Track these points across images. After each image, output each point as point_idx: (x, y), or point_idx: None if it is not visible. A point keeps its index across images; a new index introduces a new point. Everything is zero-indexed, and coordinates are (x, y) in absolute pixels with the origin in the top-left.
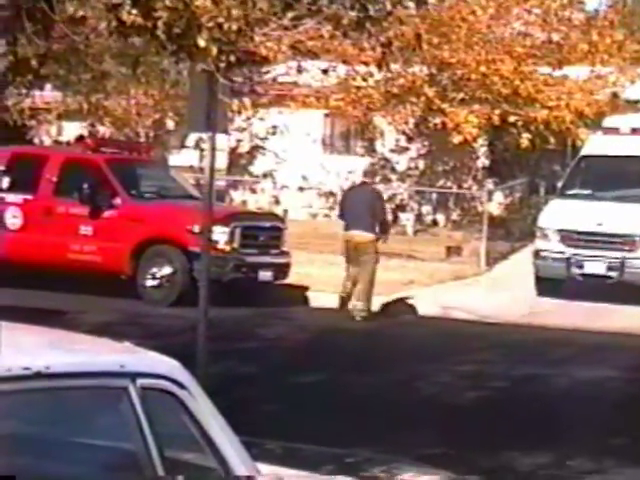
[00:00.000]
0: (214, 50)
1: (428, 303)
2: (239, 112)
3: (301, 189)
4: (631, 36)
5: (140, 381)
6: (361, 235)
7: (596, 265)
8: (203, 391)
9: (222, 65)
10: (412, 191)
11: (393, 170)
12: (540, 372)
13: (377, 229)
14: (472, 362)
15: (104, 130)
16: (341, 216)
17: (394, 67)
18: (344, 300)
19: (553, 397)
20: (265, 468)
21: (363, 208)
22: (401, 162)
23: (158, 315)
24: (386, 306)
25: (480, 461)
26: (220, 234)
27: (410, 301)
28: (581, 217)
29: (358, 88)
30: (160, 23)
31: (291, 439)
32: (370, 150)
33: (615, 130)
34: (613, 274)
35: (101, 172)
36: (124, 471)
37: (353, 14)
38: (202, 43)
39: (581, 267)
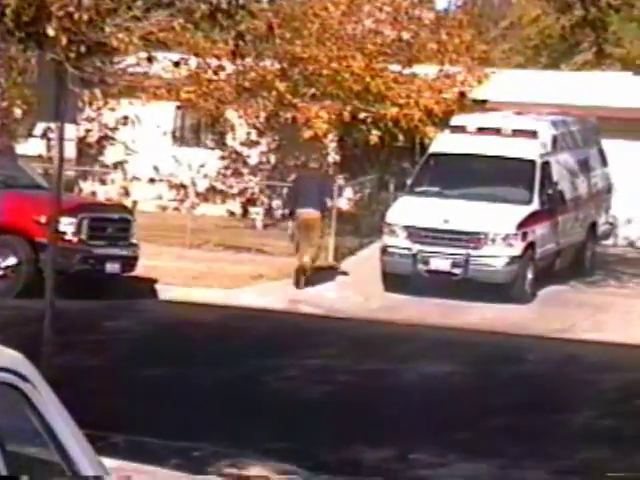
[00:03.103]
0: (64, 40)
1: (276, 297)
2: (90, 103)
3: (152, 181)
4: (479, 36)
5: None
6: (310, 212)
7: (441, 262)
8: (47, 384)
9: (72, 55)
10: (263, 185)
11: (245, 164)
12: (386, 367)
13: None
14: (319, 356)
15: None
16: (294, 199)
17: (246, 61)
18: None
19: (399, 392)
20: (110, 462)
21: (313, 190)
22: (252, 156)
23: (2, 306)
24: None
25: (325, 455)
26: (67, 225)
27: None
28: (428, 214)
29: (209, 81)
30: (8, 11)
31: (136, 433)
32: (221, 143)
33: (462, 129)
34: (458, 271)
35: None
36: None
37: (205, 6)
38: (51, 32)
39: (427, 263)
